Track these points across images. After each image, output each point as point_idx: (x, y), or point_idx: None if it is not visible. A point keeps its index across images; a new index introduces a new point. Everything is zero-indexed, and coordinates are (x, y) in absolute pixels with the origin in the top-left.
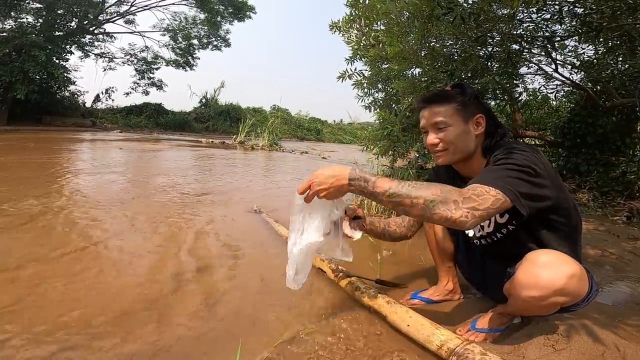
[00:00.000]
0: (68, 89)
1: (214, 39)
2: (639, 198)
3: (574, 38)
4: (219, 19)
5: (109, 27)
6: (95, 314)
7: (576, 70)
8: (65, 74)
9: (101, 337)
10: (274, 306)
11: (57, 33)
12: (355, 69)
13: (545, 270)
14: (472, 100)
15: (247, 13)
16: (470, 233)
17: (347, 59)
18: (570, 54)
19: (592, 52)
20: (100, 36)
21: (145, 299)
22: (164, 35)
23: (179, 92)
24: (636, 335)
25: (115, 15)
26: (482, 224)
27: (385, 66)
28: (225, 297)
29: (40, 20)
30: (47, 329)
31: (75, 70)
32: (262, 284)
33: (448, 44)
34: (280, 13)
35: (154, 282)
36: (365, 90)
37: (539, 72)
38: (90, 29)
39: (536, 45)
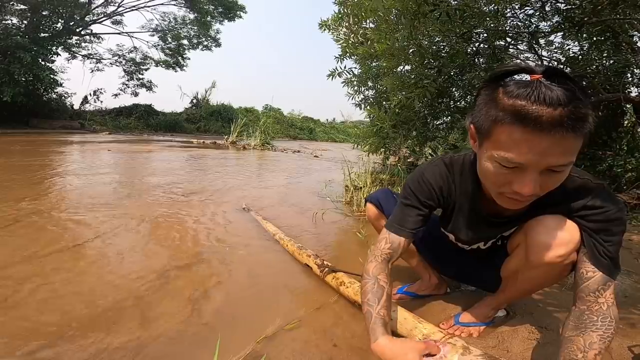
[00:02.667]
0: (55, 90)
1: (204, 39)
2: (626, 191)
3: (558, 34)
4: (208, 18)
5: (96, 28)
6: (78, 312)
7: (562, 66)
8: (51, 76)
9: (83, 335)
10: (260, 302)
11: (42, 34)
12: (345, 67)
13: (559, 228)
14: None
15: (238, 13)
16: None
17: (336, 57)
18: (556, 50)
19: (577, 48)
20: (87, 37)
21: (129, 297)
22: (153, 35)
23: (170, 93)
24: (622, 328)
25: (102, 16)
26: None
27: (375, 64)
28: (211, 294)
29: (25, 22)
30: (29, 327)
31: (62, 72)
32: (249, 281)
33: (436, 40)
34: (271, 12)
35: (138, 280)
36: (356, 88)
37: None
38: (77, 30)
39: (521, 42)
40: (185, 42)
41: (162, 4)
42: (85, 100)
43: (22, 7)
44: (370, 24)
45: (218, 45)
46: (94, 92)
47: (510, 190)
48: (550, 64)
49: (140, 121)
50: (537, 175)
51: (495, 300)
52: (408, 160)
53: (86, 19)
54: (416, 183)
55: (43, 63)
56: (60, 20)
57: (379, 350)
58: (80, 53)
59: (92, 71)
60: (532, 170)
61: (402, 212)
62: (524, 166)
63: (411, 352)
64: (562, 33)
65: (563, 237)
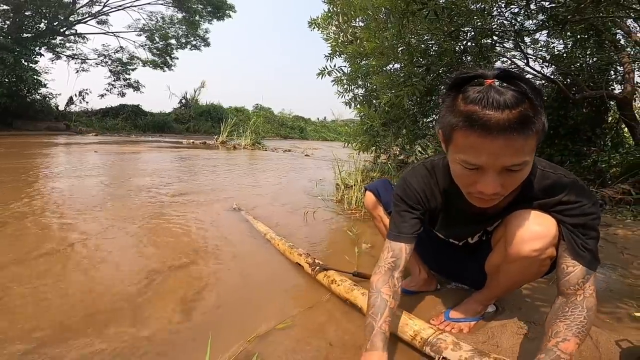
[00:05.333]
0: (39, 91)
1: (192, 39)
2: (611, 186)
3: (543, 32)
4: (197, 18)
5: (80, 28)
6: (68, 314)
7: (547, 64)
8: (35, 77)
9: (73, 337)
10: (251, 302)
11: (25, 35)
12: (335, 66)
13: (535, 222)
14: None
15: (227, 12)
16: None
17: (326, 56)
18: (541, 48)
19: (562, 46)
20: (72, 37)
21: (120, 298)
22: (140, 35)
23: (158, 93)
24: (609, 322)
25: (87, 15)
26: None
27: (364, 62)
28: (202, 294)
29: (8, 22)
30: (18, 330)
31: (46, 73)
32: (240, 280)
33: (424, 39)
34: (260, 11)
35: (129, 282)
36: (345, 86)
37: (511, 66)
38: (61, 30)
39: (507, 40)
40: (173, 41)
41: (149, 4)
42: (70, 101)
43: (5, 7)
44: (360, 22)
45: (207, 44)
46: (80, 92)
47: (475, 190)
48: (536, 62)
49: (127, 122)
50: (496, 175)
51: (482, 296)
52: (398, 158)
53: (70, 18)
54: (402, 189)
55: (26, 64)
56: (43, 20)
57: None
58: (64, 53)
59: (77, 72)
60: (490, 171)
61: (397, 219)
62: (482, 167)
63: None
64: (547, 31)
65: (538, 231)
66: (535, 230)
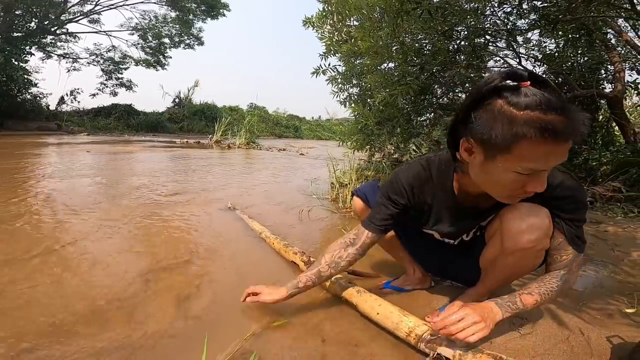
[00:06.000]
0: (29, 91)
1: (186, 38)
2: (602, 183)
3: (535, 32)
4: (191, 17)
5: (72, 27)
6: (63, 315)
7: (539, 63)
8: (25, 76)
9: (69, 338)
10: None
11: (15, 34)
12: (330, 65)
13: (531, 214)
14: None
15: (221, 11)
16: (455, 242)
17: (321, 55)
18: (533, 47)
19: (554, 45)
20: (63, 36)
21: (115, 298)
22: (133, 34)
23: (151, 92)
24: (600, 318)
25: (78, 14)
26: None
27: (359, 61)
28: (198, 293)
29: None
30: (11, 331)
31: (37, 72)
32: (236, 279)
33: (418, 38)
34: (255, 10)
35: (124, 281)
36: (340, 85)
37: (504, 66)
38: (52, 29)
39: (500, 39)
40: (166, 40)
41: (141, 2)
42: (61, 100)
43: None
44: (354, 21)
45: (201, 43)
46: (71, 92)
47: (522, 192)
48: (528, 61)
49: (120, 121)
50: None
51: (476, 292)
52: (393, 156)
53: (62, 17)
54: (390, 183)
55: (16, 63)
56: (34, 19)
57: None
58: (55, 52)
59: (69, 71)
60: (544, 172)
61: (375, 209)
62: (542, 172)
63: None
64: (538, 31)
65: (534, 222)
66: (531, 221)
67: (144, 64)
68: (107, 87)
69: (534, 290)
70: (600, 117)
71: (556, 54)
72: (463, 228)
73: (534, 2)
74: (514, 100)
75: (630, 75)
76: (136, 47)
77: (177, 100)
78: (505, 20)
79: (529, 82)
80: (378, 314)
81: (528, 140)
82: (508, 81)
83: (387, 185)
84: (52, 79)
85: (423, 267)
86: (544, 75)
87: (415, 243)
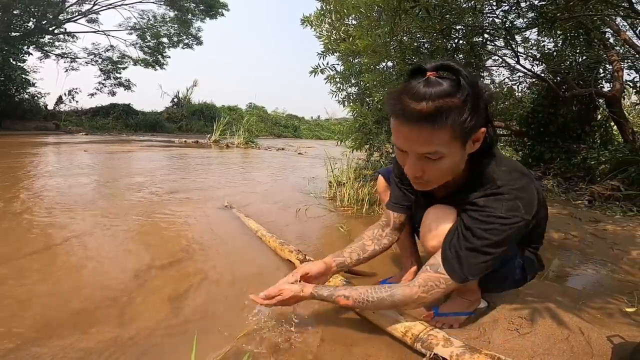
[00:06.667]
0: (27, 91)
1: (184, 37)
2: (600, 182)
3: (534, 31)
4: (189, 16)
5: (70, 26)
6: (55, 313)
7: (537, 62)
8: (23, 76)
9: (60, 335)
10: (242, 299)
11: (13, 34)
12: (328, 64)
13: (436, 219)
14: (475, 106)
15: (220, 10)
16: None
17: (319, 54)
18: (532, 46)
19: (552, 44)
20: (61, 36)
21: (107, 297)
22: (131, 34)
23: (150, 92)
24: (600, 318)
25: (76, 14)
26: None
27: (357, 60)
28: (192, 292)
29: None
30: (3, 329)
31: (35, 72)
32: (231, 278)
33: (416, 37)
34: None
35: (117, 279)
36: (339, 84)
37: (503, 65)
38: (50, 28)
39: (498, 38)
40: (165, 40)
41: (140, 2)
42: (59, 100)
43: None
44: (353, 20)
45: (200, 43)
46: (69, 91)
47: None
48: (527, 60)
49: (118, 121)
50: (416, 160)
51: (461, 290)
52: (391, 155)
53: (60, 17)
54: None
55: (14, 63)
56: (32, 19)
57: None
58: (53, 52)
59: (67, 70)
60: (410, 155)
61: (392, 189)
62: (406, 152)
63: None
64: (537, 29)
65: (437, 228)
66: (434, 227)
67: (142, 64)
68: (105, 86)
69: (355, 293)
70: (599, 116)
71: (554, 53)
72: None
73: (532, 0)
74: (406, 85)
75: (628, 74)
76: (134, 47)
77: (175, 100)
78: (504, 19)
79: (433, 72)
80: (374, 313)
81: (391, 113)
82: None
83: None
84: (50, 78)
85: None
86: (543, 75)
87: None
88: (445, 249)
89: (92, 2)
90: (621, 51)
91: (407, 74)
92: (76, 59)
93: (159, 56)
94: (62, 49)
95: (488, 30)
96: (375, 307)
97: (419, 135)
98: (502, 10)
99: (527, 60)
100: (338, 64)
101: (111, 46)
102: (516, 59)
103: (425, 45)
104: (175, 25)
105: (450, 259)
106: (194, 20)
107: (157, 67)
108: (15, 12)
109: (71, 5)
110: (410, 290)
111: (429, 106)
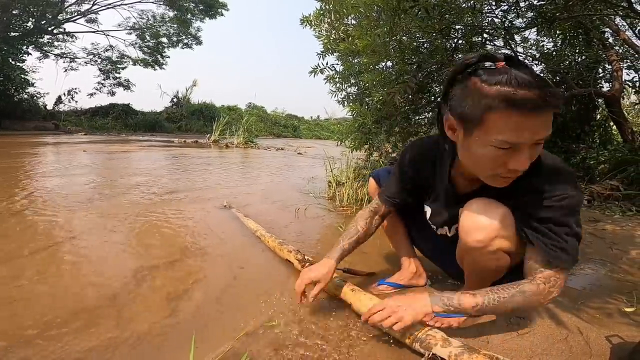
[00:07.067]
0: (27, 91)
1: (184, 37)
2: (599, 182)
3: (533, 31)
4: (189, 16)
5: (69, 26)
6: (53, 313)
7: (536, 62)
8: (22, 76)
9: (57, 336)
10: (240, 299)
11: (12, 34)
12: (327, 64)
13: (481, 211)
14: None
15: (219, 10)
16: (438, 231)
17: (319, 54)
18: (531, 46)
19: (551, 44)
20: (60, 36)
21: (105, 297)
22: (130, 34)
23: (149, 92)
24: (599, 317)
25: (75, 14)
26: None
27: (356, 60)
28: (190, 292)
29: None
30: (3, 327)
31: (34, 72)
32: (229, 278)
33: (415, 36)
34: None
35: (116, 279)
36: (338, 84)
37: None
38: (49, 28)
39: (497, 37)
40: (164, 40)
41: (139, 2)
42: (59, 100)
43: None
44: (352, 20)
45: (199, 43)
46: (68, 91)
47: (505, 170)
48: (526, 60)
49: (117, 121)
50: (528, 151)
51: (465, 290)
52: (391, 155)
53: (59, 17)
54: (400, 156)
55: (13, 63)
56: (31, 19)
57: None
58: (52, 52)
59: (66, 70)
60: (526, 148)
61: (389, 181)
62: (519, 145)
63: (323, 267)
64: (536, 29)
65: (482, 221)
66: (479, 220)
67: (141, 64)
68: (104, 86)
69: (480, 292)
70: (598, 116)
71: (554, 53)
72: (450, 215)
73: (531, 0)
74: (485, 78)
75: (627, 74)
76: (134, 47)
77: (175, 99)
78: (503, 19)
79: (503, 62)
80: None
81: (497, 111)
82: (485, 63)
83: (399, 159)
84: (49, 78)
85: (429, 255)
86: (542, 74)
87: (421, 230)
88: (542, 245)
89: (91, 2)
90: (620, 51)
91: (460, 68)
92: (75, 59)
93: (159, 56)
94: (61, 48)
95: (487, 30)
96: (507, 304)
97: (546, 120)
98: (501, 10)
99: (526, 60)
100: (337, 64)
101: (110, 46)
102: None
103: (425, 45)
104: (175, 25)
105: (554, 251)
106: (193, 20)
107: (157, 67)
108: (14, 12)
109: (70, 5)
110: (538, 287)
111: (544, 91)
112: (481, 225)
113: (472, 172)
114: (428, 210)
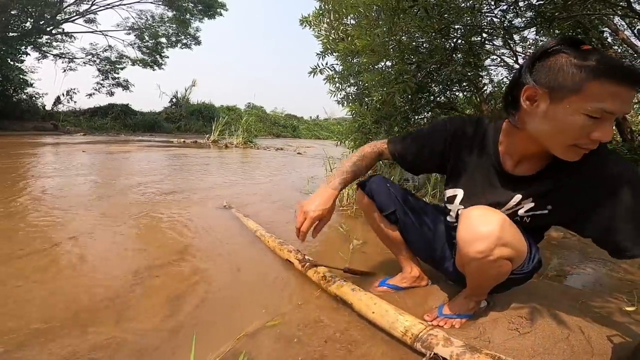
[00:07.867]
0: (25, 91)
1: (183, 37)
2: None
3: (532, 30)
4: (188, 16)
5: (68, 26)
6: (53, 313)
7: None
8: (21, 76)
9: (58, 336)
10: (240, 300)
11: (10, 34)
12: (327, 64)
13: (480, 221)
14: None
15: (218, 10)
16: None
17: (318, 54)
18: (530, 46)
19: None
20: (59, 36)
21: (105, 297)
22: (129, 34)
23: (148, 92)
24: (600, 317)
25: (74, 14)
26: None
27: (356, 60)
28: (190, 292)
29: None
30: (3, 327)
31: (32, 72)
32: (229, 278)
33: (415, 36)
34: (254, 9)
35: (115, 280)
36: (337, 85)
37: (501, 64)
38: (48, 29)
39: (496, 37)
40: (163, 40)
41: (138, 2)
42: (57, 100)
43: None
44: (351, 20)
45: (198, 43)
46: (67, 92)
47: (587, 141)
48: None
49: (116, 121)
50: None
51: (468, 292)
52: None
53: (57, 17)
54: (436, 123)
55: (12, 63)
56: (29, 19)
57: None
58: (51, 52)
59: (65, 71)
60: (612, 119)
61: (409, 138)
62: (608, 116)
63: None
64: (535, 29)
65: (482, 231)
66: (479, 230)
67: (140, 64)
68: (103, 87)
69: None
70: None
71: None
72: (496, 196)
73: (530, 0)
74: (579, 54)
75: None
76: (133, 47)
77: (174, 100)
78: (502, 19)
79: (589, 47)
80: (373, 312)
81: (600, 79)
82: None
83: (433, 124)
84: (48, 79)
85: (427, 259)
86: None
87: (420, 233)
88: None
89: (90, 2)
90: (619, 50)
91: (563, 42)
92: (74, 59)
93: (157, 56)
94: (60, 49)
95: (486, 30)
96: None
97: (632, 97)
98: (500, 10)
99: (525, 60)
100: (337, 64)
101: (109, 46)
102: (514, 59)
103: (424, 45)
104: (174, 25)
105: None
106: (192, 20)
107: (156, 67)
108: (12, 12)
109: (69, 5)
110: None
111: (637, 68)
112: (481, 235)
113: (546, 143)
114: (459, 192)
